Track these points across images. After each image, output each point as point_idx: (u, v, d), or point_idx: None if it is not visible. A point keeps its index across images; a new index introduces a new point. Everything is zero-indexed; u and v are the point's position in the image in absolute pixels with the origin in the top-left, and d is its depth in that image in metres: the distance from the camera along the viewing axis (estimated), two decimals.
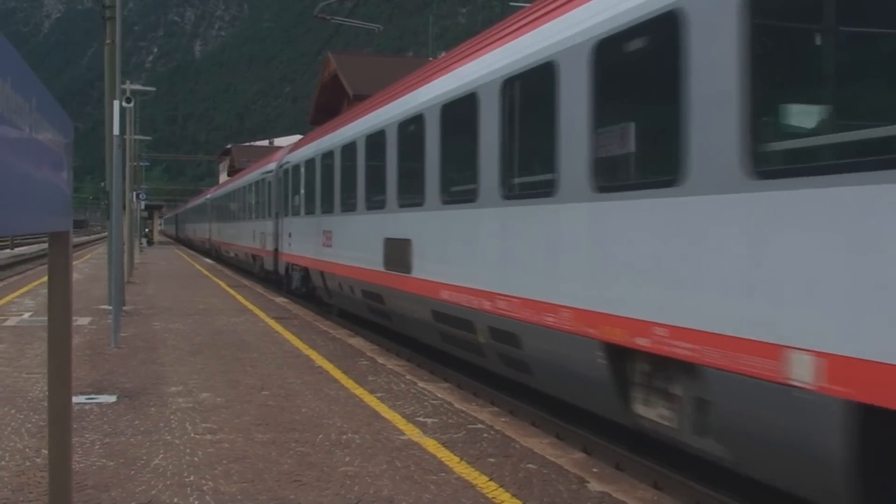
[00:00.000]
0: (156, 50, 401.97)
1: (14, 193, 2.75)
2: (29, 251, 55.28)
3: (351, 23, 29.20)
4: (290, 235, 21.57)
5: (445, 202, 10.52)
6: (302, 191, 20.01)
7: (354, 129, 15.10)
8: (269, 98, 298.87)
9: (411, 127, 11.86)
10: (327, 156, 17.18)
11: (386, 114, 13.14)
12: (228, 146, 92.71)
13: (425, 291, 10.99)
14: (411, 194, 11.72)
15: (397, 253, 12.12)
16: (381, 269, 12.87)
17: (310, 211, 18.89)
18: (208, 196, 54.84)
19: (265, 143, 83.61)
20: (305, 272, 19.81)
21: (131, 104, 22.04)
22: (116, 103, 15.37)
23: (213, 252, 49.04)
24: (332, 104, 40.83)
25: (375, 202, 13.46)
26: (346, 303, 16.47)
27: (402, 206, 12.17)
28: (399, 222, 12.19)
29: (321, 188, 17.78)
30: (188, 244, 73.62)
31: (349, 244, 15.20)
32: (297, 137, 36.76)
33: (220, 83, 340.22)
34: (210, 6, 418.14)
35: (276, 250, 23.93)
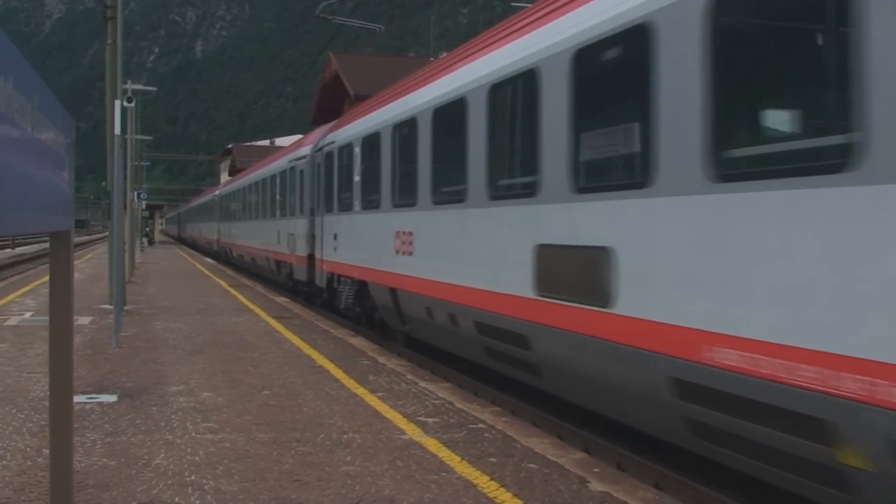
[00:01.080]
0: (157, 50, 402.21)
1: (15, 193, 2.75)
2: (30, 251, 55.33)
3: (352, 23, 29.20)
4: (335, 238, 16.71)
5: (726, 176, 5.67)
6: (357, 178, 14.97)
7: (461, 80, 10.25)
8: (271, 98, 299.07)
9: (610, 52, 7.28)
10: (404, 127, 12.24)
11: (539, 42, 8.30)
12: (229, 146, 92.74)
13: (656, 345, 6.31)
14: (613, 170, 7.41)
15: (572, 271, 7.55)
16: (527, 293, 8.25)
17: (371, 205, 13.99)
18: (216, 192, 48.88)
19: (266, 142, 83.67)
20: (361, 287, 14.98)
21: (132, 104, 22.03)
22: (118, 103, 15.36)
23: (221, 255, 43.66)
24: (333, 104, 40.84)
25: (514, 189, 8.90)
26: (435, 335, 11.69)
27: (586, 190, 7.39)
28: (579, 219, 7.41)
29: (394, 173, 12.79)
30: (192, 245, 68.87)
31: (451, 252, 10.43)
32: (299, 137, 36.33)
33: (222, 83, 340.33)
34: (211, 6, 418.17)
35: (311, 256, 19.33)
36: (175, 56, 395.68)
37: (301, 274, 20.46)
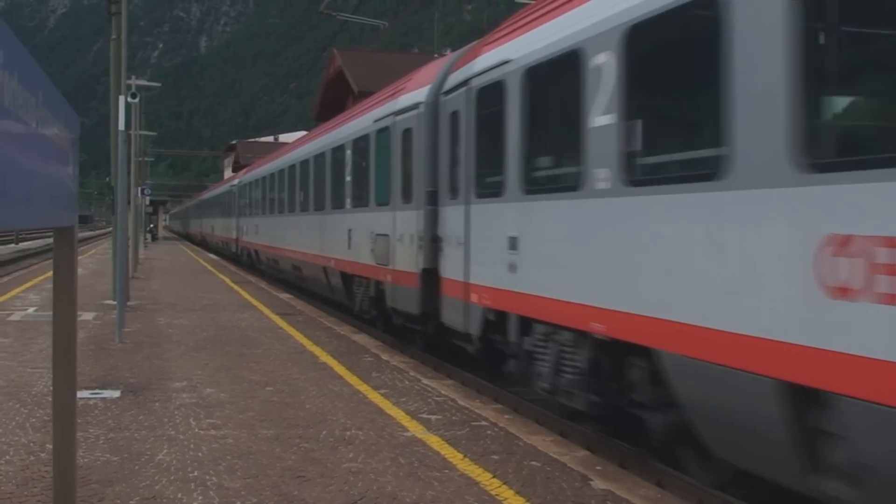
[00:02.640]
0: (161, 45, 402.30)
1: (20, 188, 2.75)
2: (34, 246, 55.43)
3: (356, 19, 29.23)
4: (513, 245, 8.95)
5: None
6: (609, 120, 7.24)
7: None
8: (275, 94, 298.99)
9: None
10: None
11: None
12: (233, 142, 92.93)
13: None
14: None
15: None
16: None
17: (683, 174, 6.50)
18: (235, 180, 39.72)
19: (270, 139, 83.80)
20: (614, 357, 7.37)
21: (136, 99, 22.10)
22: (122, 98, 15.38)
23: (243, 258, 34.76)
24: (337, 100, 40.86)
25: None
26: None
27: None
28: None
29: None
30: (201, 244, 60.89)
31: None
32: (303, 133, 36.04)
33: (226, 79, 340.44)
34: (216, 2, 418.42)
35: (428, 272, 11.73)
36: (179, 52, 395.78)
37: (407, 302, 12.45)
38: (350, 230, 16.02)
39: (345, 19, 28.59)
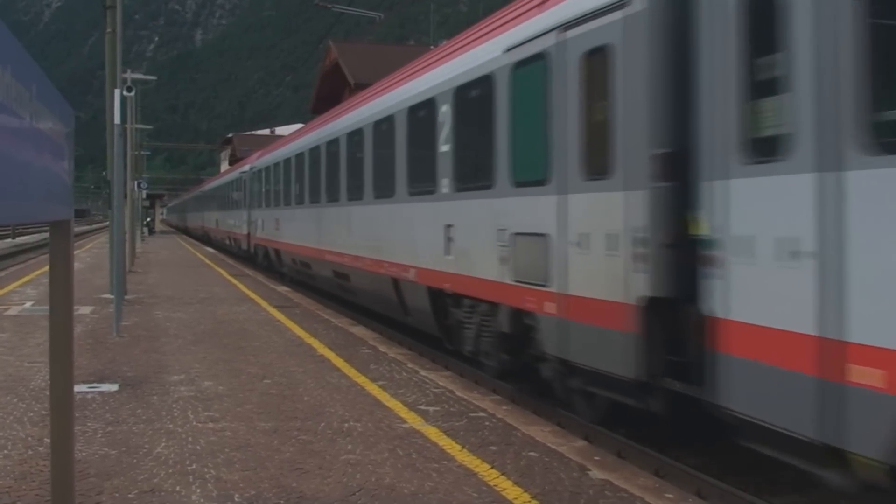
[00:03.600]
0: (157, 39, 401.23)
1: (15, 183, 2.75)
2: (31, 240, 55.36)
3: (352, 11, 29.18)
4: None
5: None
6: None
7: None
8: (271, 87, 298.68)
9: None
10: None
11: None
12: (230, 135, 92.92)
13: None
14: None
15: None
16: None
17: None
18: (246, 166, 32.66)
19: (266, 131, 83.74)
20: None
21: (132, 93, 22.06)
22: (117, 92, 15.35)
23: (257, 258, 29.47)
24: (333, 93, 40.84)
25: None
26: None
27: None
28: None
29: None
30: (203, 240, 55.58)
31: None
32: (300, 126, 35.87)
33: (221, 72, 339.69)
34: None
35: (658, 305, 6.86)
36: (175, 45, 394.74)
37: (603, 355, 7.52)
38: (449, 226, 11.06)
39: (340, 11, 28.55)
